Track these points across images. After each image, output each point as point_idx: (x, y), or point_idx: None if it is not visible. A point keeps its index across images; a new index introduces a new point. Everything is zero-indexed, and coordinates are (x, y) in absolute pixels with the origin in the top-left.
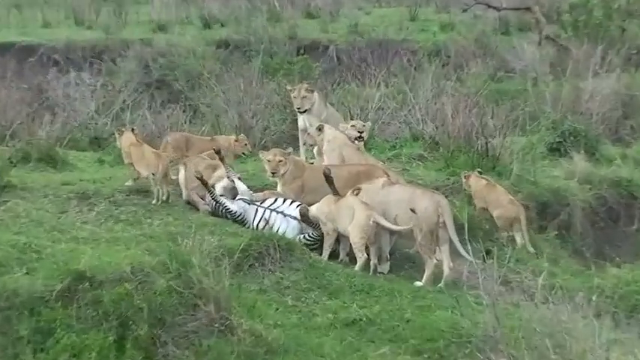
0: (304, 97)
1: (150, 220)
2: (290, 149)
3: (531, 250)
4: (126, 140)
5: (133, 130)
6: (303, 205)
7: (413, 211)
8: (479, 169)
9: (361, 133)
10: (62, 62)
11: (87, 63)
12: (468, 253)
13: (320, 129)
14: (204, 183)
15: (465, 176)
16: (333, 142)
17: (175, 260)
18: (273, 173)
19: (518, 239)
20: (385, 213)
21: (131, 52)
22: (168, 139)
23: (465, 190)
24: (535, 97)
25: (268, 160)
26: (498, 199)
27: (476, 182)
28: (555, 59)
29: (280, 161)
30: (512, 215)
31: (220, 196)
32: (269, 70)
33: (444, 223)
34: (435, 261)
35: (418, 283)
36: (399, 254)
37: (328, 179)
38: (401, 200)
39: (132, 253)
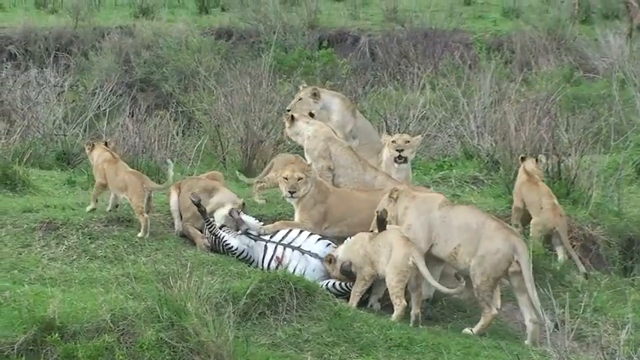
0: (300, 99)
1: (134, 257)
2: (313, 167)
3: (582, 269)
4: (98, 156)
5: (106, 143)
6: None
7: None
8: (540, 155)
9: (400, 151)
10: (19, 56)
11: (51, 57)
12: (540, 312)
13: (292, 118)
14: (202, 210)
15: (521, 157)
16: (316, 137)
17: (166, 307)
18: (291, 193)
19: (560, 255)
20: (441, 241)
21: (107, 43)
22: (274, 162)
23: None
24: (622, 105)
25: (285, 178)
26: (539, 201)
27: (521, 173)
28: None
29: (300, 179)
30: (550, 226)
31: (221, 227)
32: (283, 67)
33: (519, 272)
34: (494, 312)
35: (467, 331)
36: (446, 300)
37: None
38: (466, 228)
39: (112, 298)
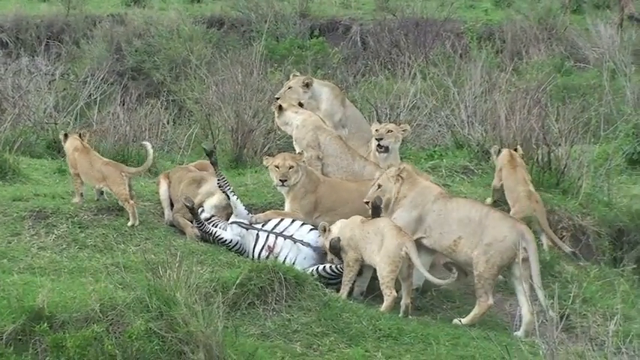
0: (289, 88)
1: (124, 247)
2: (304, 154)
3: (567, 249)
4: (70, 145)
5: (80, 135)
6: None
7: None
8: (516, 147)
9: (380, 140)
10: (11, 44)
11: (42, 45)
12: (545, 301)
13: (280, 108)
14: (194, 212)
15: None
16: (304, 126)
17: (156, 296)
18: (282, 181)
19: (544, 243)
20: (434, 234)
21: (98, 31)
22: None
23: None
24: (613, 95)
25: (276, 167)
26: (515, 188)
27: (502, 158)
28: None
29: (291, 167)
30: (528, 213)
31: (211, 217)
32: (274, 56)
33: (523, 260)
34: (490, 302)
35: (457, 321)
36: (436, 291)
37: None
38: (467, 220)
39: (101, 287)
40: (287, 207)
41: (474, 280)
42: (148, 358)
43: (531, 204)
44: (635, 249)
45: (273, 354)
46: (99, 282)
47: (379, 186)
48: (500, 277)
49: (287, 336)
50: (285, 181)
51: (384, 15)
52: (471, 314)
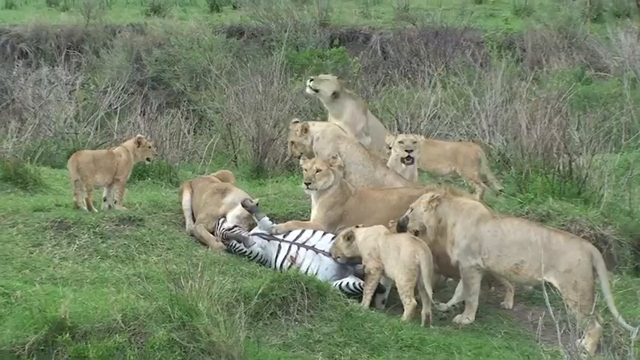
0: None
1: (145, 257)
2: (339, 160)
3: (498, 187)
4: None
5: (138, 140)
6: (361, 266)
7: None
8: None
9: (410, 152)
10: (31, 54)
11: (62, 55)
12: (617, 316)
13: (305, 129)
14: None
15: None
16: (324, 137)
17: (178, 307)
18: (306, 184)
19: (496, 186)
20: (496, 255)
21: (118, 41)
22: None
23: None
24: (634, 104)
25: (305, 170)
26: (444, 151)
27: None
28: None
29: (319, 171)
30: (473, 157)
31: (234, 227)
32: (295, 65)
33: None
34: (598, 326)
35: (584, 344)
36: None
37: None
38: (529, 244)
39: (123, 298)
40: (313, 213)
41: (577, 311)
42: None
43: (471, 148)
44: None
45: None
46: (121, 292)
47: (411, 209)
48: (531, 287)
49: (309, 346)
50: (309, 184)
51: (403, 24)
52: (590, 342)
